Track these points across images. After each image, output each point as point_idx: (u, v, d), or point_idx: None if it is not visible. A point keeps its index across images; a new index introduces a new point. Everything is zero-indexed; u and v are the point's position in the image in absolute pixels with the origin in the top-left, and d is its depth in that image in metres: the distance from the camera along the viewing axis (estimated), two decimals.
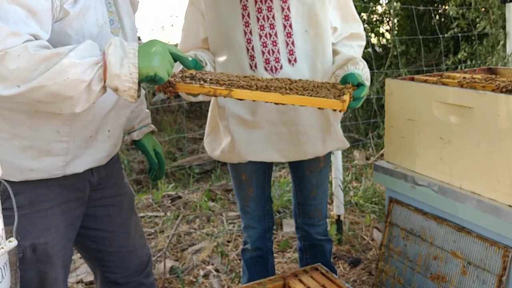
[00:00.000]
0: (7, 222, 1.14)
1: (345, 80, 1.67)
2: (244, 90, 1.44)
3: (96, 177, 1.62)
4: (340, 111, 1.45)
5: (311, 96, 1.43)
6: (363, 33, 2.01)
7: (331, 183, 3.11)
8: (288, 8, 1.80)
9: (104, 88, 1.31)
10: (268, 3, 1.79)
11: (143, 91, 1.88)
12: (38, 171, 1.44)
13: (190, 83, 1.45)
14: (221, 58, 1.87)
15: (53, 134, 1.43)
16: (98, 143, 1.55)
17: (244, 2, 1.79)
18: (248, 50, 1.81)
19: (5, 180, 1.16)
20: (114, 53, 1.29)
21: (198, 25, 1.89)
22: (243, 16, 1.80)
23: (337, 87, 1.58)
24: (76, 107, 1.29)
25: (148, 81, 1.34)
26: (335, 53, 1.90)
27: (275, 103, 1.48)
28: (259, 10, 1.80)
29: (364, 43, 2.00)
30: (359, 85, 1.65)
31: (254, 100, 1.49)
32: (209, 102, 2.05)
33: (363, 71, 1.76)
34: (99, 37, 1.43)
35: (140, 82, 1.32)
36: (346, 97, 1.45)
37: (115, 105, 1.55)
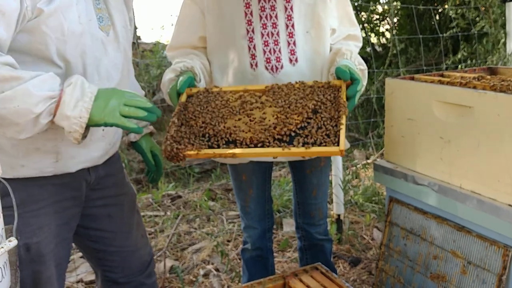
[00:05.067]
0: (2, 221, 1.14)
1: (338, 77, 1.67)
2: (245, 150, 1.50)
3: (94, 176, 1.61)
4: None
5: (309, 147, 1.47)
6: (360, 36, 2.01)
7: (331, 183, 3.11)
8: (291, 8, 1.80)
9: (52, 122, 1.32)
10: (272, 2, 1.79)
11: (142, 92, 1.88)
12: (28, 167, 1.43)
13: (190, 149, 1.51)
14: (222, 57, 1.86)
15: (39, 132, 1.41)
16: (92, 143, 1.53)
17: (247, 0, 1.79)
18: (249, 48, 1.81)
19: None
20: (71, 93, 1.31)
21: (197, 22, 1.87)
22: (246, 14, 1.80)
23: (331, 85, 1.64)
24: (20, 134, 1.30)
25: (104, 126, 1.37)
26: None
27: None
28: (262, 9, 1.79)
29: (360, 45, 2.01)
30: (353, 79, 1.64)
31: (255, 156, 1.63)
32: None
33: (351, 59, 1.77)
34: (84, 35, 1.42)
35: (88, 126, 1.35)
36: (342, 139, 1.47)
37: None
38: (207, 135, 1.57)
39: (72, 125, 1.31)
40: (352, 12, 1.98)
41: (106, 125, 1.36)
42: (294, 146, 1.48)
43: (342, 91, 1.62)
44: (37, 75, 1.27)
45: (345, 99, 1.58)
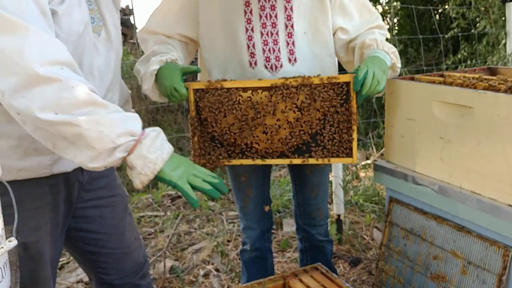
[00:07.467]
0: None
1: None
2: (271, 161, 1.80)
3: (86, 177, 1.60)
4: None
5: (326, 159, 1.76)
6: (383, 24, 1.98)
7: (331, 183, 3.11)
8: (291, 9, 1.80)
9: (122, 160, 1.32)
10: (272, 2, 1.79)
11: (129, 91, 1.86)
12: (25, 170, 1.42)
13: (225, 160, 1.84)
14: (220, 54, 1.86)
15: None
16: None
17: None
18: (248, 47, 1.81)
19: None
20: (154, 139, 1.33)
21: (182, 17, 1.87)
22: (245, 12, 1.80)
23: (338, 82, 1.70)
24: (92, 162, 1.29)
25: (159, 180, 1.38)
26: (353, 46, 1.90)
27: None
28: (262, 8, 1.79)
29: (385, 32, 1.97)
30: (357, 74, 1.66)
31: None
32: None
33: (378, 47, 1.79)
34: (84, 35, 1.43)
35: (156, 178, 1.35)
36: (354, 150, 1.73)
37: None
38: (227, 142, 1.79)
39: (145, 167, 1.32)
40: (368, 2, 1.96)
41: (170, 183, 1.37)
42: (312, 157, 1.77)
43: (350, 90, 1.68)
44: (120, 110, 1.31)
45: (355, 102, 1.68)
